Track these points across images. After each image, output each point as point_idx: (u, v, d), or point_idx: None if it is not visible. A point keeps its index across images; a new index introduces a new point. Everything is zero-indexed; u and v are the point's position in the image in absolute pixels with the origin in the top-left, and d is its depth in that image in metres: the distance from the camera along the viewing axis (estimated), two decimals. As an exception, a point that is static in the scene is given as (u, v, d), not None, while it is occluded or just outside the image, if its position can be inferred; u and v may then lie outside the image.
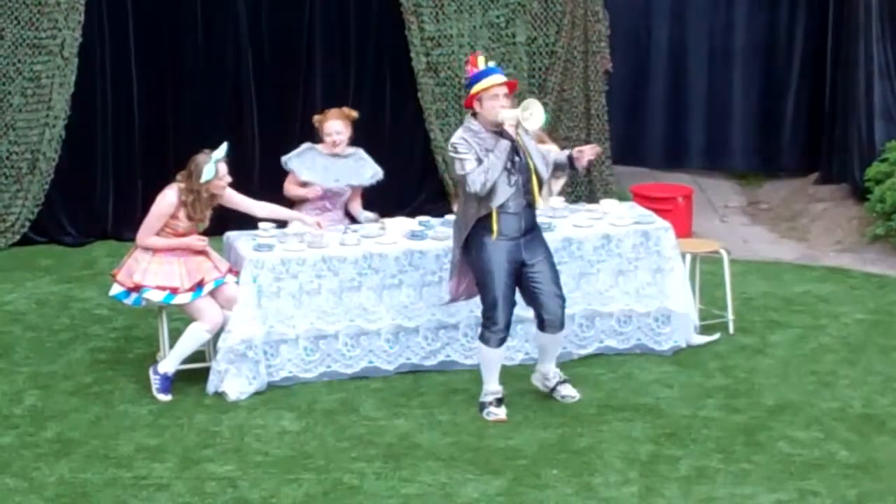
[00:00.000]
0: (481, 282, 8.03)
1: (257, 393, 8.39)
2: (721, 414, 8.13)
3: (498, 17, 11.95)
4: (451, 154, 7.96)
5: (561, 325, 8.14)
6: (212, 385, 8.39)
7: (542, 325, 8.16)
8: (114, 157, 11.83)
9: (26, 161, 11.52)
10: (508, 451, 7.62)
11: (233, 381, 8.36)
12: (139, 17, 11.72)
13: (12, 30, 11.37)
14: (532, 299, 8.13)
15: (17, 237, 11.60)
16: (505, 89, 7.93)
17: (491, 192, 7.85)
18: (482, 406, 8.14)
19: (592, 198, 11.71)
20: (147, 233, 8.39)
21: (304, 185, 9.22)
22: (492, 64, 8.07)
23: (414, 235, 8.82)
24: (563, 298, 8.13)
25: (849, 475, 7.31)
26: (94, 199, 11.81)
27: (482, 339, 8.07)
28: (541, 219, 8.91)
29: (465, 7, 11.89)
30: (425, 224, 9.02)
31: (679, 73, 13.84)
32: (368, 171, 9.35)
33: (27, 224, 11.60)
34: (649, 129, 13.89)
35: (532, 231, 8.08)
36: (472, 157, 7.83)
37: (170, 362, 8.37)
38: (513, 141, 7.88)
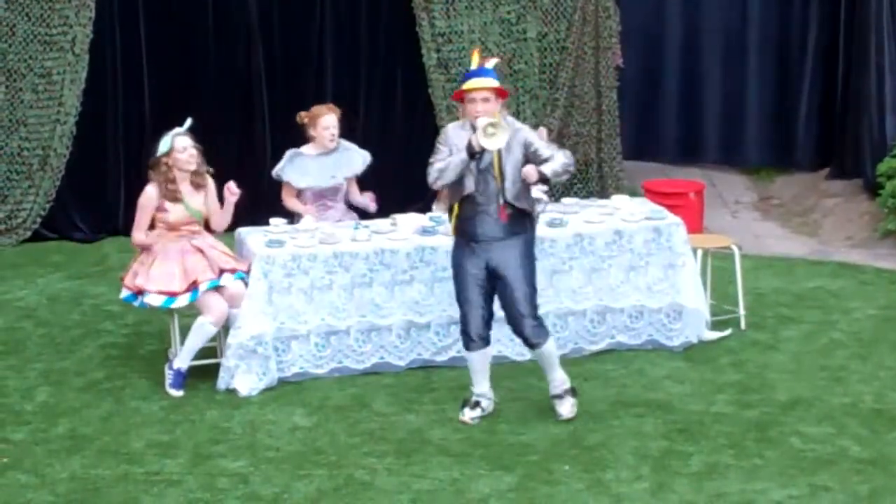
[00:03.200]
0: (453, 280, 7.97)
1: (269, 389, 8.39)
2: (732, 409, 8.11)
3: (509, 12, 11.94)
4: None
5: (532, 345, 7.85)
6: (222, 381, 8.40)
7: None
8: (125, 153, 11.85)
9: (37, 157, 11.54)
10: (520, 447, 7.61)
11: (243, 377, 8.36)
12: (150, 13, 11.74)
13: (23, 26, 11.39)
14: (505, 316, 7.91)
15: (29, 233, 11.62)
16: (484, 94, 7.64)
17: (454, 186, 7.75)
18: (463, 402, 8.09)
19: (604, 193, 11.71)
20: (136, 230, 8.44)
21: (299, 192, 9.17)
22: (489, 65, 7.78)
23: (425, 231, 8.81)
24: (524, 316, 7.73)
25: (860, 470, 7.30)
26: (105, 196, 11.83)
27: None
28: (552, 214, 8.93)
29: (475, 3, 11.88)
30: (436, 220, 9.00)
31: (691, 68, 13.83)
32: (358, 159, 9.30)
33: (38, 220, 11.62)
34: (662, 125, 13.89)
35: (499, 241, 7.72)
36: (445, 149, 7.76)
37: (182, 358, 8.39)
38: (480, 150, 7.60)
